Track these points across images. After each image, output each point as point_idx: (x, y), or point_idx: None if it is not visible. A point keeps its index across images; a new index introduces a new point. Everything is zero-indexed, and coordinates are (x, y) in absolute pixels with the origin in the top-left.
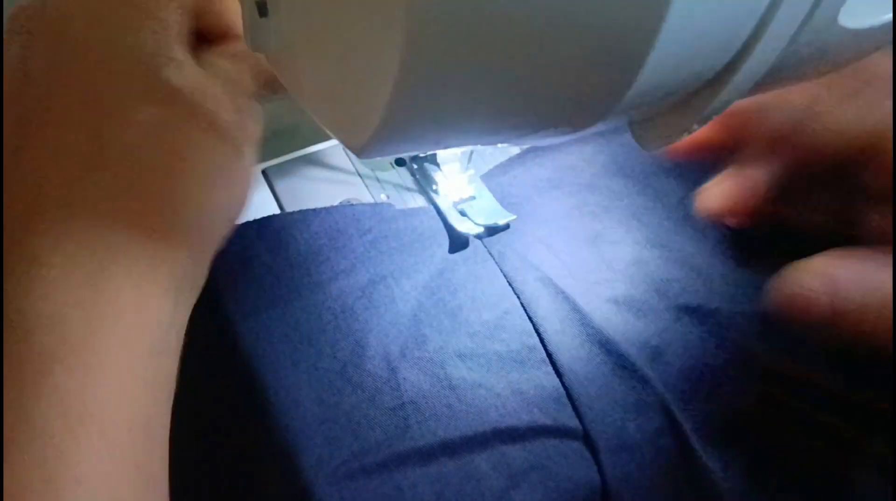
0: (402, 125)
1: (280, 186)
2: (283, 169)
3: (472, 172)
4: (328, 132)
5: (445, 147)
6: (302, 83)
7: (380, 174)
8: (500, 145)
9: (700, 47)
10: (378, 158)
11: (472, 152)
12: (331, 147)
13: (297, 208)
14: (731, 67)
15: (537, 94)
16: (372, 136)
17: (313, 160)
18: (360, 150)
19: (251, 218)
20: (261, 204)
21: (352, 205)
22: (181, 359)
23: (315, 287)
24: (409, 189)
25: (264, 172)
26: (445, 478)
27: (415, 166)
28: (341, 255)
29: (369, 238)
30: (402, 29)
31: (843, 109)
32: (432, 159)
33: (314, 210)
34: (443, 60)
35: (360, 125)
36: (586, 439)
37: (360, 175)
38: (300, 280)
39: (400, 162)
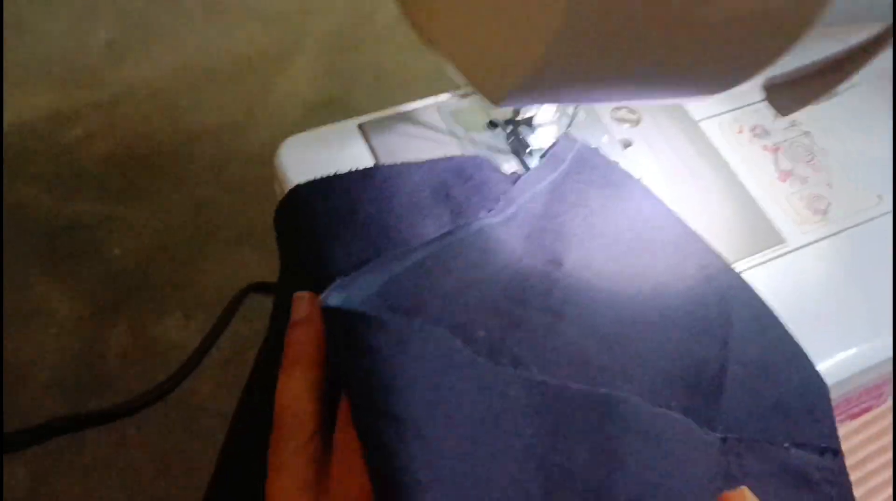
0: (553, 75)
1: (376, 141)
2: (380, 125)
3: (568, 133)
4: (461, 79)
5: (584, 102)
6: (444, 31)
7: (474, 135)
8: (636, 102)
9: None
10: (472, 118)
11: (572, 119)
12: (426, 106)
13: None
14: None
15: (694, 53)
16: (519, 84)
17: (408, 117)
18: (502, 98)
19: (352, 169)
20: (359, 157)
21: (452, 156)
22: (275, 314)
23: (419, 238)
24: (502, 151)
25: (361, 127)
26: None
27: (509, 129)
28: (444, 205)
29: (471, 184)
30: None
31: None
32: (527, 122)
33: (416, 163)
34: (605, 14)
35: (505, 74)
36: None
37: (454, 135)
38: (406, 230)
39: (494, 123)
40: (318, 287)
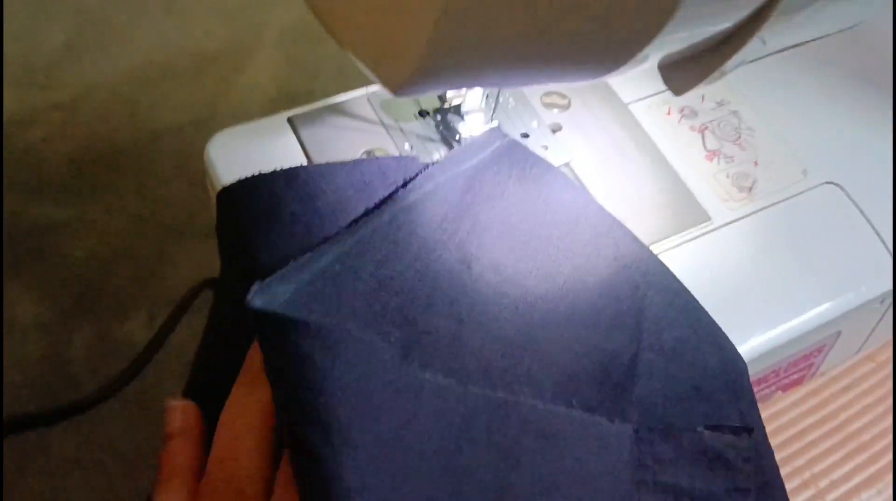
0: (442, 61)
1: (305, 135)
2: (309, 118)
3: (495, 123)
4: (366, 72)
5: (481, 86)
6: (343, 22)
7: (403, 125)
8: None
9: None
10: (401, 108)
11: (496, 104)
12: (356, 98)
13: (322, 156)
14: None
15: (579, 27)
16: (412, 73)
17: (338, 110)
18: (399, 87)
19: (278, 167)
20: (287, 151)
21: (377, 158)
22: (213, 311)
23: (344, 235)
24: (432, 139)
25: (290, 121)
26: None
27: (438, 117)
28: (369, 205)
29: (394, 190)
30: None
31: None
32: (456, 110)
33: (341, 163)
34: None
35: (401, 63)
36: None
37: (384, 125)
38: (329, 229)
39: (423, 113)
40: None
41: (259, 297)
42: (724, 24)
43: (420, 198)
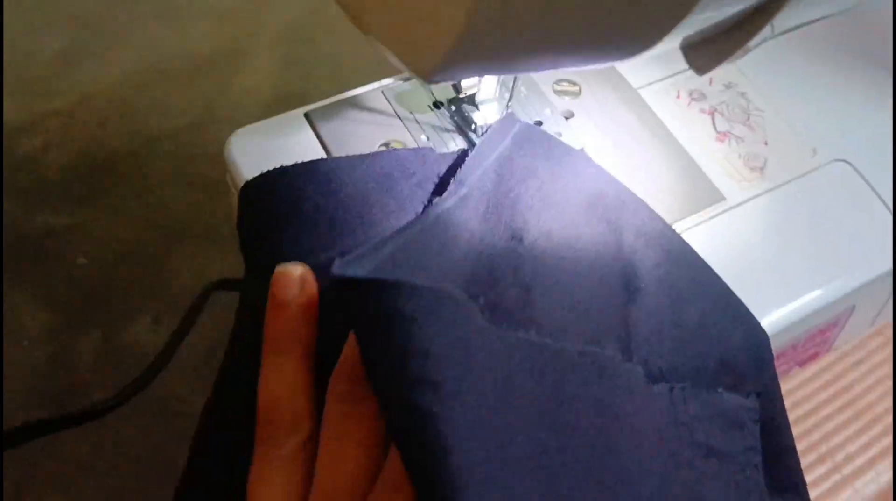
0: (474, 46)
1: (323, 129)
2: (326, 112)
3: (511, 112)
4: (395, 61)
5: (510, 72)
6: (369, 8)
7: (419, 116)
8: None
9: None
10: (416, 99)
11: (511, 93)
12: (371, 91)
13: (341, 150)
14: None
15: (612, 7)
16: (443, 58)
17: (354, 103)
18: (429, 72)
19: (299, 161)
20: (307, 146)
21: (395, 150)
22: (240, 311)
23: (368, 227)
24: (447, 130)
25: (307, 115)
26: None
27: (453, 108)
28: (389, 196)
29: (414, 181)
30: None
31: None
32: (470, 100)
33: (359, 156)
34: None
35: (432, 48)
36: None
37: (399, 117)
38: (353, 221)
39: (438, 104)
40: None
41: (350, 266)
42: (748, 2)
43: (457, 203)
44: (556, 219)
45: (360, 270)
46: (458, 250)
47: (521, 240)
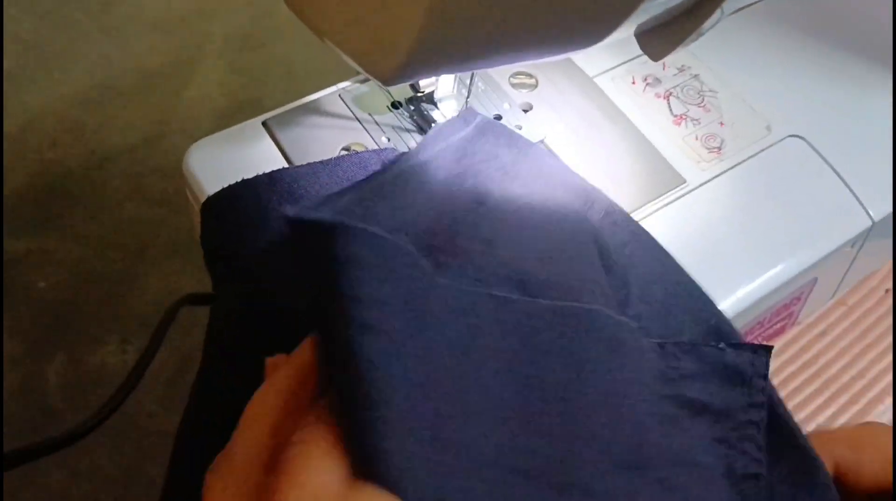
0: (434, 48)
1: (282, 137)
2: (284, 119)
3: (470, 107)
4: (354, 64)
5: (470, 69)
6: (325, 15)
7: (378, 118)
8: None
9: None
10: (374, 101)
11: (469, 91)
12: (328, 95)
13: (302, 157)
14: None
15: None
16: (403, 62)
17: (312, 109)
18: (390, 75)
19: (260, 171)
20: (267, 155)
21: (356, 153)
22: (211, 325)
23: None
24: (407, 130)
25: (265, 124)
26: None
27: (412, 107)
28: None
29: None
30: None
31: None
32: (429, 98)
33: (321, 162)
34: None
35: (391, 52)
36: None
37: (358, 120)
38: None
39: (396, 104)
40: (245, 297)
41: (307, 211)
42: None
43: (418, 163)
44: (520, 190)
45: (315, 214)
46: (416, 208)
47: (482, 204)
